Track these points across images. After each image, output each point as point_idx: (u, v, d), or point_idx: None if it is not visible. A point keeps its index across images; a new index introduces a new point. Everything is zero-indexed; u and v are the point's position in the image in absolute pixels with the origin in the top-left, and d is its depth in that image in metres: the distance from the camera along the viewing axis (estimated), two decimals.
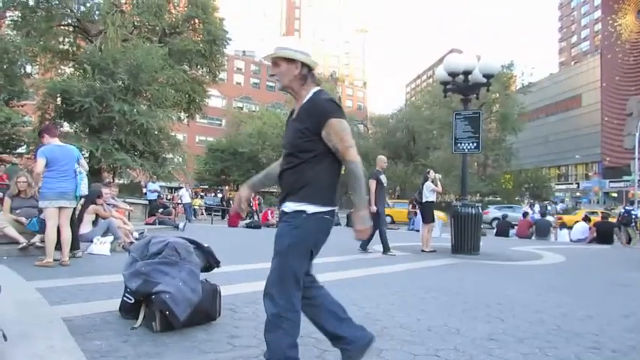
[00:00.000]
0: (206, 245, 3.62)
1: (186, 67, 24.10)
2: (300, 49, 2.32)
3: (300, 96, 2.35)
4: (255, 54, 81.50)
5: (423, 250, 9.08)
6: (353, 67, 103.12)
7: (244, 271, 5.77)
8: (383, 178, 8.97)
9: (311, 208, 2.20)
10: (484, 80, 9.19)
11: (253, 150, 40.84)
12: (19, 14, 21.87)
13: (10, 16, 22.49)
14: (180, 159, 21.98)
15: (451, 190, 36.95)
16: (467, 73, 9.21)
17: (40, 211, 6.23)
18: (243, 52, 79.65)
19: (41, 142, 5.98)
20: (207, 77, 25.88)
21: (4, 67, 20.25)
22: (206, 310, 3.27)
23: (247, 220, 16.88)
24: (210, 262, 3.61)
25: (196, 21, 24.63)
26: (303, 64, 2.31)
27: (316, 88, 2.34)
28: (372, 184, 8.60)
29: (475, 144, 9.33)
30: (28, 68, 22.90)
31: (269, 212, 17.69)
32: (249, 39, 79.89)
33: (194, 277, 3.24)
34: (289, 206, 2.25)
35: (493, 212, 26.61)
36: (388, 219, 19.41)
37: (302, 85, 2.33)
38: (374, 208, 8.39)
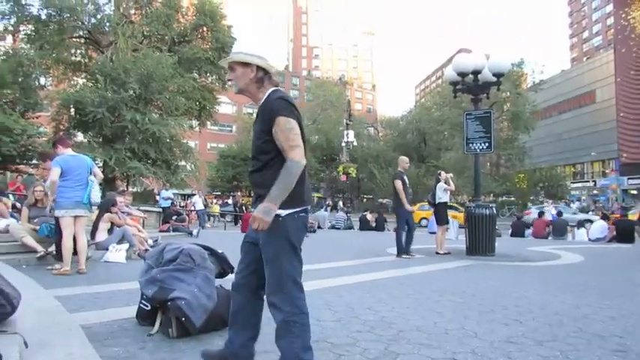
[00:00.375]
0: (220, 251, 3.63)
1: (196, 74, 24.32)
2: (254, 53, 2.37)
3: (257, 99, 2.38)
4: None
5: (437, 253, 8.99)
6: (361, 70, 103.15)
7: None
8: (406, 178, 8.83)
9: (283, 211, 2.20)
10: (494, 79, 9.11)
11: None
12: (33, 28, 22.26)
13: (23, 30, 22.91)
14: (192, 166, 22.15)
15: (464, 191, 36.69)
16: (476, 72, 9.15)
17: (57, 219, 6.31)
18: None
19: (55, 153, 6.06)
20: (217, 84, 26.05)
21: (20, 80, 20.63)
22: (221, 316, 3.27)
23: None
24: (224, 268, 3.63)
25: (204, 29, 24.84)
26: (259, 68, 2.35)
27: (272, 89, 2.37)
28: (398, 184, 8.51)
29: (487, 144, 9.26)
30: (42, 80, 23.33)
31: None
32: (257, 45, 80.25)
33: (209, 283, 3.25)
34: None
35: (535, 213, 25.86)
36: None
37: (258, 88, 2.37)
38: (409, 208, 8.47)
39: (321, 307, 4.10)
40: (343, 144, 27.01)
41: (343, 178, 26.40)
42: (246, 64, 2.35)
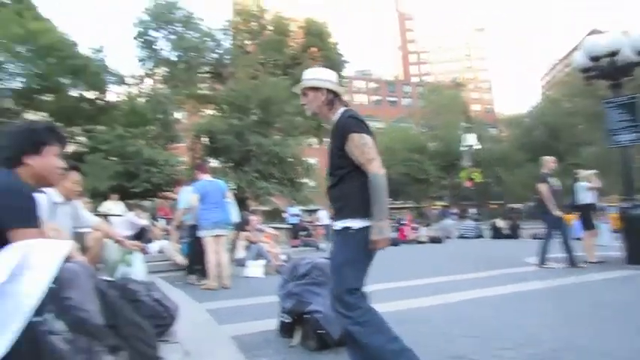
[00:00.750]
0: None
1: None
2: (324, 78, 2.51)
3: (329, 120, 2.51)
4: (371, 72, 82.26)
5: (587, 262, 7.88)
6: (475, 69, 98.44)
7: (388, 289, 5.69)
8: (553, 180, 7.94)
9: (355, 224, 2.30)
10: (638, 58, 8.03)
11: (383, 167, 40.90)
12: (166, 70, 25.05)
13: (159, 72, 25.91)
14: (315, 182, 22.85)
15: (614, 190, 32.79)
16: (613, 54, 8.15)
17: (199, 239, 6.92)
18: (362, 72, 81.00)
19: (196, 178, 6.67)
20: None
21: (160, 116, 23.27)
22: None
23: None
24: None
25: (314, 49, 25.73)
26: (329, 91, 2.48)
27: (343, 109, 2.49)
28: (543, 188, 7.75)
29: (635, 134, 8.10)
30: (178, 115, 26.05)
31: (406, 228, 17.44)
32: (365, 58, 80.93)
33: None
34: (337, 224, 2.39)
35: None
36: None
37: (329, 109, 2.50)
38: (559, 213, 7.64)
39: (458, 321, 3.90)
40: (463, 148, 25.92)
41: (467, 184, 25.24)
42: (317, 89, 2.49)
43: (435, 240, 16.92)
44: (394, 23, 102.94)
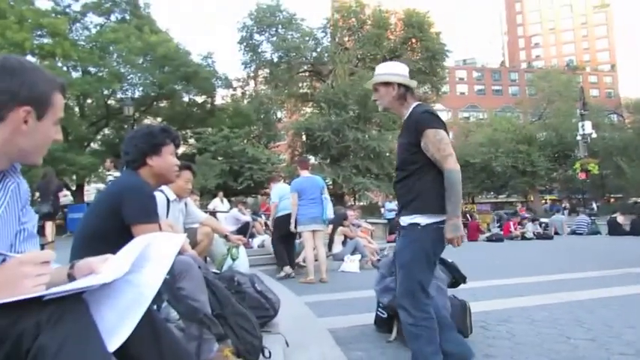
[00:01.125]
0: (450, 260, 3.58)
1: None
2: (394, 72, 2.51)
3: (402, 113, 2.50)
4: (475, 60, 78.54)
5: None
6: (595, 50, 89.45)
7: (491, 287, 5.49)
8: None
9: (424, 220, 2.31)
10: None
11: (486, 159, 38.95)
12: (268, 71, 26.14)
13: (261, 74, 27.12)
14: None
15: None
16: None
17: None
18: (464, 60, 77.73)
19: (296, 174, 6.93)
20: (430, 93, 26.05)
21: (262, 116, 24.40)
22: (457, 326, 3.20)
23: (488, 234, 16.09)
24: (455, 277, 3.55)
25: (413, 41, 25.25)
26: (400, 85, 2.45)
27: (415, 103, 2.47)
28: None
29: None
30: (278, 114, 27.10)
31: (511, 224, 16.50)
32: (469, 46, 77.55)
33: (442, 293, 3.22)
34: (404, 220, 2.40)
35: None
36: None
37: (401, 104, 2.48)
38: None
39: (571, 322, 3.65)
40: (578, 137, 23.81)
41: (582, 176, 23.15)
42: (387, 84, 2.47)
43: (542, 236, 15.81)
44: (500, 7, 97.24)
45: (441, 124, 2.36)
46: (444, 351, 2.32)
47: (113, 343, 1.10)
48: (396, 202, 2.60)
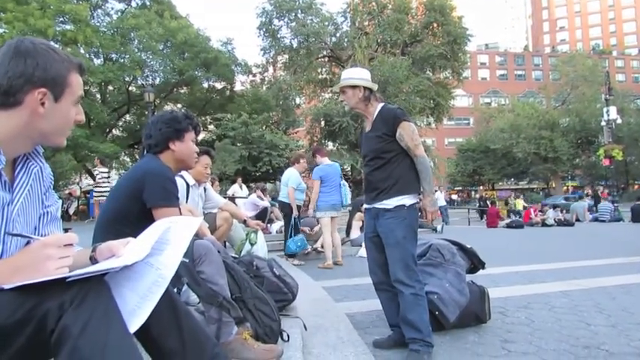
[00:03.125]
0: (469, 246, 3.56)
1: (429, 72, 24.45)
2: (360, 77, 2.82)
3: (368, 112, 2.84)
4: (498, 45, 76.94)
5: None
6: (623, 33, 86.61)
7: (511, 273, 5.45)
8: None
9: (408, 201, 2.66)
10: None
11: (507, 145, 38.34)
12: (287, 57, 26.02)
13: (280, 60, 27.02)
14: (432, 163, 22.34)
15: None
16: None
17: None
18: (486, 45, 76.23)
19: (314, 161, 6.91)
20: (452, 78, 25.65)
21: (280, 102, 24.37)
22: (475, 312, 3.21)
23: (508, 220, 15.92)
24: (474, 263, 3.53)
25: (434, 25, 24.83)
26: (365, 88, 2.79)
27: (381, 104, 2.83)
28: None
29: None
30: (297, 100, 27.02)
31: (531, 210, 16.29)
32: (492, 30, 75.94)
33: (460, 278, 3.22)
34: (390, 203, 2.66)
35: None
36: None
37: (366, 104, 2.82)
38: None
39: (591, 309, 3.61)
40: (603, 123, 23.23)
41: (605, 162, 22.65)
42: (354, 87, 2.80)
43: (563, 223, 15.58)
44: None
45: (411, 119, 2.76)
46: (409, 319, 2.56)
47: (134, 324, 1.13)
48: (367, 187, 2.86)
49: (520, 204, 21.00)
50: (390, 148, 2.68)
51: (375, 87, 2.84)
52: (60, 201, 1.37)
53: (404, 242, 2.61)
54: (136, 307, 1.15)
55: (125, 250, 1.18)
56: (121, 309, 1.11)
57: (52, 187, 1.34)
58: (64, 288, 1.04)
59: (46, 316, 1.02)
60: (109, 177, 10.98)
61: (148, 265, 1.18)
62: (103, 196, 10.51)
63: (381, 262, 2.76)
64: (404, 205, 2.64)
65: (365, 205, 2.95)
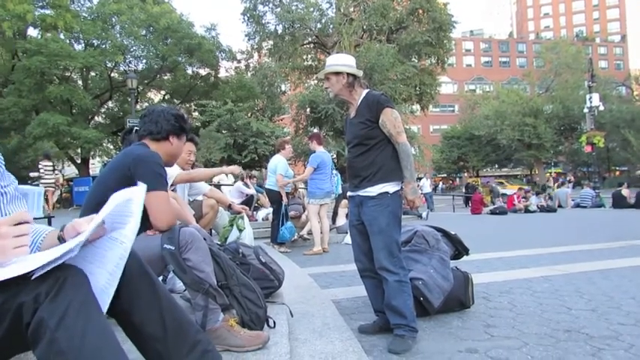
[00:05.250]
0: (453, 233, 3.60)
1: (415, 59, 24.45)
2: (344, 63, 2.79)
3: (352, 99, 2.82)
4: (483, 32, 77.12)
5: None
6: (606, 20, 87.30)
7: (494, 259, 5.54)
8: None
9: (392, 188, 2.65)
10: None
11: (491, 132, 38.69)
12: (272, 43, 25.76)
13: (265, 46, 26.73)
14: (417, 150, 22.45)
15: None
16: None
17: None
18: (471, 31, 76.36)
19: (309, 145, 6.88)
20: (437, 65, 25.67)
21: (266, 89, 24.17)
22: (459, 298, 3.26)
23: (492, 207, 16.11)
24: (458, 249, 3.58)
25: (420, 11, 24.77)
26: (349, 74, 2.76)
27: (366, 90, 2.82)
28: None
29: None
30: (283, 87, 26.83)
31: (515, 197, 16.51)
32: (476, 17, 75.97)
33: (444, 264, 3.26)
34: (373, 190, 2.66)
35: None
36: None
37: (350, 91, 2.80)
38: None
39: (572, 293, 3.69)
40: (585, 110, 23.51)
41: (587, 149, 22.97)
42: (338, 73, 2.77)
43: (546, 209, 15.83)
44: None
45: (394, 106, 2.73)
46: (393, 305, 2.61)
47: (106, 303, 1.13)
48: (350, 174, 2.84)
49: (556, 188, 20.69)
50: (373, 134, 2.67)
51: (359, 73, 2.81)
52: (16, 182, 1.35)
53: (388, 229, 2.61)
54: (107, 285, 1.15)
55: (89, 227, 1.16)
56: (93, 287, 1.11)
57: (3, 167, 1.31)
58: (39, 280, 1.03)
59: (22, 308, 1.02)
60: (53, 170, 12.03)
61: (112, 240, 1.17)
62: (50, 186, 11.49)
63: (366, 250, 2.76)
64: (387, 193, 2.64)
65: (348, 193, 2.93)
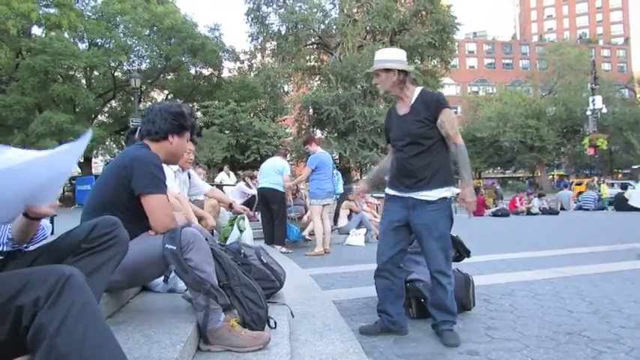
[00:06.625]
0: (454, 234, 3.59)
1: (418, 61, 24.45)
2: (395, 59, 2.70)
3: (404, 95, 2.74)
4: (486, 33, 77.03)
5: None
6: (609, 22, 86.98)
7: (495, 261, 5.53)
8: None
9: (449, 193, 2.65)
10: None
11: (494, 134, 38.60)
12: (275, 44, 25.79)
13: (268, 47, 26.77)
14: None
15: None
16: None
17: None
18: (474, 33, 76.25)
19: (308, 149, 6.89)
20: (440, 66, 25.65)
21: (268, 89, 24.20)
22: (460, 300, 3.24)
23: (494, 208, 16.09)
24: (460, 251, 3.57)
25: (423, 13, 24.76)
26: (400, 71, 2.68)
27: (420, 87, 2.76)
28: None
29: None
30: (285, 88, 26.87)
31: (517, 199, 16.48)
32: (480, 18, 75.90)
33: None
34: (433, 195, 2.62)
35: None
36: None
37: (401, 88, 2.72)
38: None
39: (573, 296, 3.69)
40: (588, 112, 23.48)
41: (590, 151, 22.93)
42: (388, 70, 2.69)
43: (548, 211, 15.80)
44: None
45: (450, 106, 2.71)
46: (386, 310, 2.75)
47: None
48: (403, 174, 2.73)
49: (605, 189, 20.27)
50: (430, 134, 2.62)
51: (410, 69, 2.74)
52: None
53: (446, 234, 2.66)
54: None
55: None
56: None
57: None
58: (38, 282, 1.03)
59: (22, 310, 1.02)
60: None
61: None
62: None
63: (395, 251, 2.75)
64: (446, 198, 2.64)
65: (393, 192, 2.81)
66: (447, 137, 2.62)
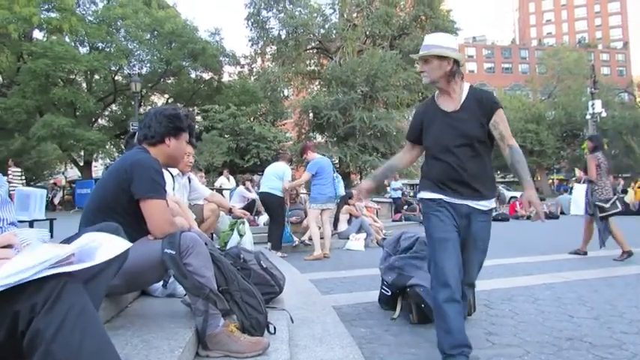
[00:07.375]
0: None
1: (417, 65, 24.49)
2: (451, 46, 2.35)
3: (450, 89, 2.38)
4: (486, 38, 77.19)
5: None
6: (608, 26, 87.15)
7: (495, 266, 5.50)
8: None
9: (493, 204, 2.49)
10: None
11: None
12: (275, 48, 25.85)
13: (269, 51, 26.84)
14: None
15: None
16: None
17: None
18: (474, 38, 76.43)
19: (305, 157, 6.88)
20: None
21: (269, 94, 24.25)
22: None
23: (494, 213, 16.09)
24: None
25: (423, 18, 24.84)
26: (455, 61, 2.33)
27: (469, 83, 2.44)
28: None
29: None
30: (285, 92, 26.93)
31: (517, 203, 16.47)
32: (479, 23, 76.15)
33: None
34: (486, 204, 2.41)
35: None
36: None
37: (449, 81, 2.37)
38: None
39: (574, 301, 3.67)
40: (588, 116, 23.46)
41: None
42: (442, 57, 2.33)
43: (548, 216, 15.78)
44: None
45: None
46: (467, 342, 2.37)
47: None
48: (455, 179, 2.35)
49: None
50: (484, 137, 2.37)
51: (462, 61, 2.41)
52: (7, 185, 1.34)
53: (487, 247, 2.51)
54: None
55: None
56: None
57: None
58: (35, 287, 1.01)
59: (18, 315, 1.00)
60: (21, 175, 12.49)
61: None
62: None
63: (459, 269, 2.32)
64: (491, 209, 2.47)
65: (439, 196, 2.39)
66: (502, 139, 2.35)
